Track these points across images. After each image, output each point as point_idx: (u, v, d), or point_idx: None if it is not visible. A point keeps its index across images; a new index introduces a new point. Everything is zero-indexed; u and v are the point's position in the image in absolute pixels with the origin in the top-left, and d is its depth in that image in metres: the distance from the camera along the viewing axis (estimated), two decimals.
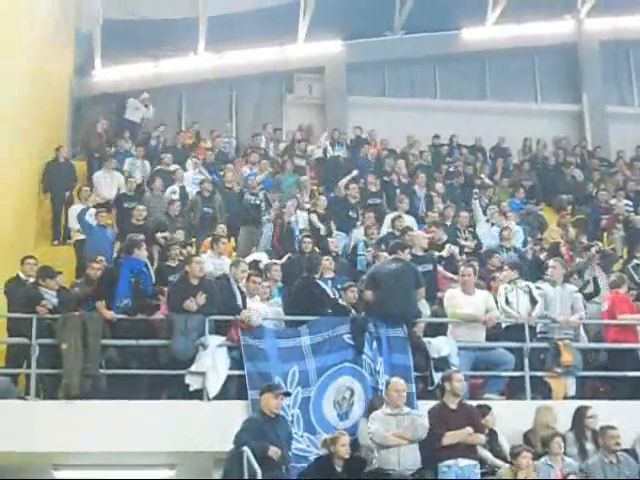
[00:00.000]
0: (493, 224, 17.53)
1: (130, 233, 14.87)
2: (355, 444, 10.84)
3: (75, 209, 16.98)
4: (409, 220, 17.15)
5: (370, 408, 11.24)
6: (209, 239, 15.36)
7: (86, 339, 11.23)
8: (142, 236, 14.77)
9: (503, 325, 12.82)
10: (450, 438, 10.40)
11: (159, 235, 15.39)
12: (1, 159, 14.96)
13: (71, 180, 18.80)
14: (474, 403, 11.23)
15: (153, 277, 13.15)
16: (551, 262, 13.68)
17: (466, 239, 16.49)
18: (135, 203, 16.63)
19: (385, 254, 13.68)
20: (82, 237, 16.06)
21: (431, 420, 10.59)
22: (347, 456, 10.37)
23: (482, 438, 10.67)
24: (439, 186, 19.68)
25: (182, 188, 18.13)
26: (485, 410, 11.22)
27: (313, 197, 18.69)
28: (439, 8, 24.91)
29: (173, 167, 19.05)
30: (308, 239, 15.34)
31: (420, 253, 14.50)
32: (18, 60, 15.98)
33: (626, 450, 11.15)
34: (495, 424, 11.28)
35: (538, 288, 13.09)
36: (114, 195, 17.83)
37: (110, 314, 11.70)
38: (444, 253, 15.36)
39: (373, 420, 10.60)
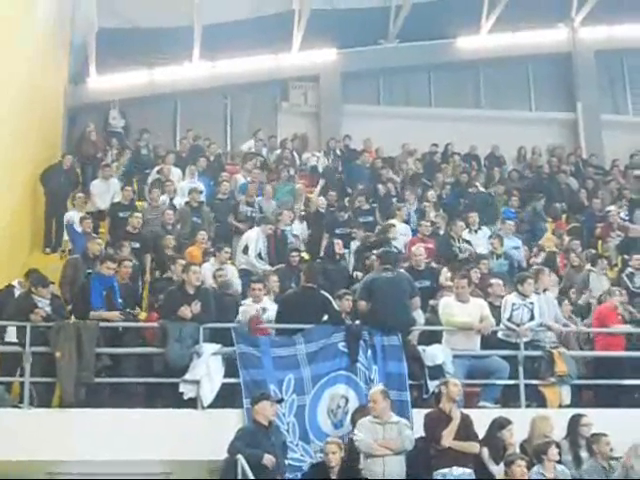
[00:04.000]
0: (476, 231, 17.47)
1: (124, 241, 14.91)
2: (351, 452, 10.84)
3: (69, 216, 17.02)
4: (404, 228, 17.17)
5: (352, 420, 11.24)
6: (192, 247, 15.40)
7: (80, 347, 11.23)
8: (130, 247, 14.74)
9: (499, 334, 12.81)
10: (449, 441, 10.42)
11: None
12: None
13: (71, 189, 18.65)
14: (470, 411, 11.19)
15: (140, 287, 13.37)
16: (541, 269, 13.80)
17: (459, 248, 16.50)
18: (130, 212, 16.46)
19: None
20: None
21: (427, 426, 10.60)
22: (333, 464, 10.35)
23: (477, 447, 10.64)
24: (431, 194, 19.64)
25: (171, 199, 18.11)
26: (504, 422, 10.98)
27: (308, 204, 18.75)
28: (434, 17, 24.91)
29: (175, 176, 19.07)
30: (295, 253, 15.33)
31: (421, 268, 14.50)
32: (13, 68, 15.98)
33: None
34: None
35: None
36: (108, 204, 17.71)
37: (115, 314, 11.88)
38: (442, 279, 15.13)
39: (360, 428, 10.58)
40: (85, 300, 11.98)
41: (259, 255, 15.85)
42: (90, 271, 13.08)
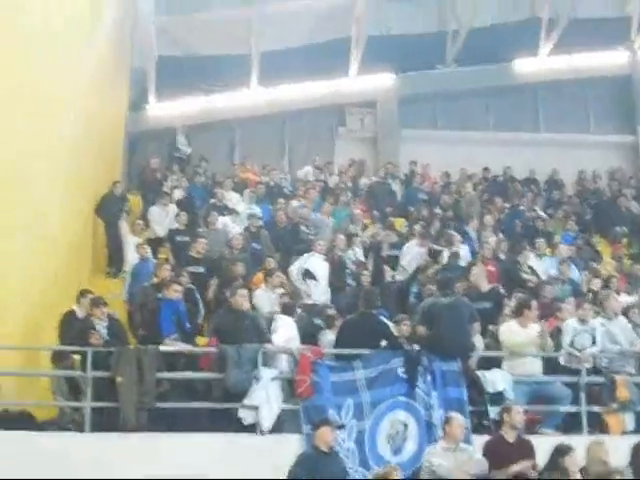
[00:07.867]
0: (541, 257, 17.34)
1: (188, 266, 15.03)
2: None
3: (130, 242, 17.22)
4: (463, 252, 17.07)
5: None
6: (260, 274, 15.42)
7: (141, 372, 11.31)
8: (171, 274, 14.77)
9: (560, 360, 12.66)
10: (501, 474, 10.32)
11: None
12: (57, 194, 15.14)
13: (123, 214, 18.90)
14: (530, 438, 11.06)
15: (202, 310, 13.54)
16: (607, 294, 13.63)
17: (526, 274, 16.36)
18: (188, 237, 16.67)
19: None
20: None
21: (487, 453, 10.49)
22: None
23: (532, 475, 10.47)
24: (488, 219, 19.51)
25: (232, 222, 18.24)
26: (566, 449, 10.73)
27: (365, 229, 18.76)
28: (491, 40, 24.87)
29: (234, 201, 19.22)
30: (367, 272, 15.33)
31: (484, 290, 14.39)
32: (74, 96, 16.20)
33: None
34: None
35: (602, 325, 12.93)
36: (167, 230, 17.87)
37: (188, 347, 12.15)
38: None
39: (433, 454, 10.53)
40: (155, 326, 12.15)
41: (308, 275, 15.78)
42: (160, 296, 13.19)
